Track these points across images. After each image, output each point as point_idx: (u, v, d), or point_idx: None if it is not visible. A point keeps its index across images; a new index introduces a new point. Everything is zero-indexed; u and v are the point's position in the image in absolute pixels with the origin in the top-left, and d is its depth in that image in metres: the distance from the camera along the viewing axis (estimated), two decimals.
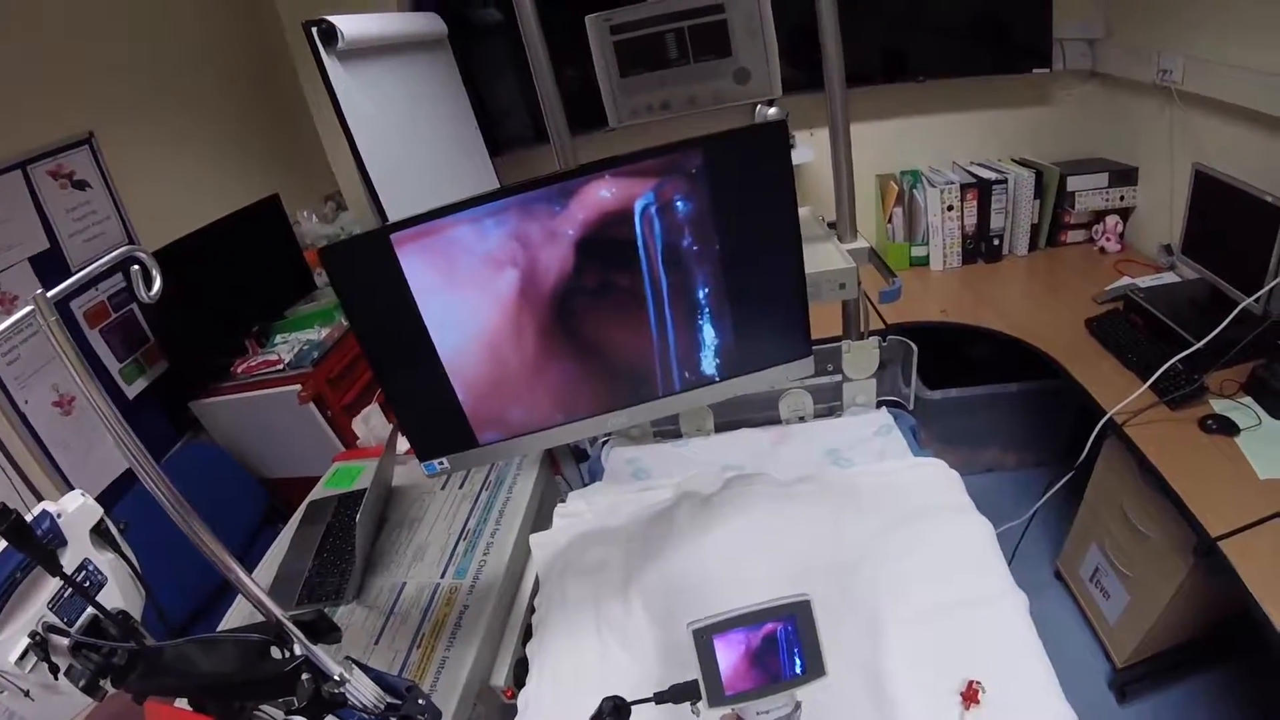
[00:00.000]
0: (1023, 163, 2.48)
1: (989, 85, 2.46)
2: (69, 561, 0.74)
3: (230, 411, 2.31)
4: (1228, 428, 1.63)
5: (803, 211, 1.29)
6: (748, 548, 1.01)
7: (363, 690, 0.85)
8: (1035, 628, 0.97)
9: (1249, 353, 1.70)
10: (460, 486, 1.43)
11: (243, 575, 0.75)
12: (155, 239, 2.20)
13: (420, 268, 0.93)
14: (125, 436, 0.68)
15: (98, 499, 0.79)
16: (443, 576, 1.25)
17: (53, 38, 2.07)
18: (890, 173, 2.55)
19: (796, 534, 1.06)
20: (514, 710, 1.02)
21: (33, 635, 0.70)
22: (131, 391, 2.22)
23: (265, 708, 0.85)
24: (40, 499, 0.77)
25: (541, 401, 1.00)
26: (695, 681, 0.50)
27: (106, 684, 0.75)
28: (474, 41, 2.37)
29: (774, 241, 0.94)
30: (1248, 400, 1.70)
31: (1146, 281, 2.17)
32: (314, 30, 1.48)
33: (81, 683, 0.72)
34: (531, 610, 1.08)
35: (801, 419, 1.36)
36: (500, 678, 1.14)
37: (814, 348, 1.03)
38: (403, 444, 1.50)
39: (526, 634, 1.14)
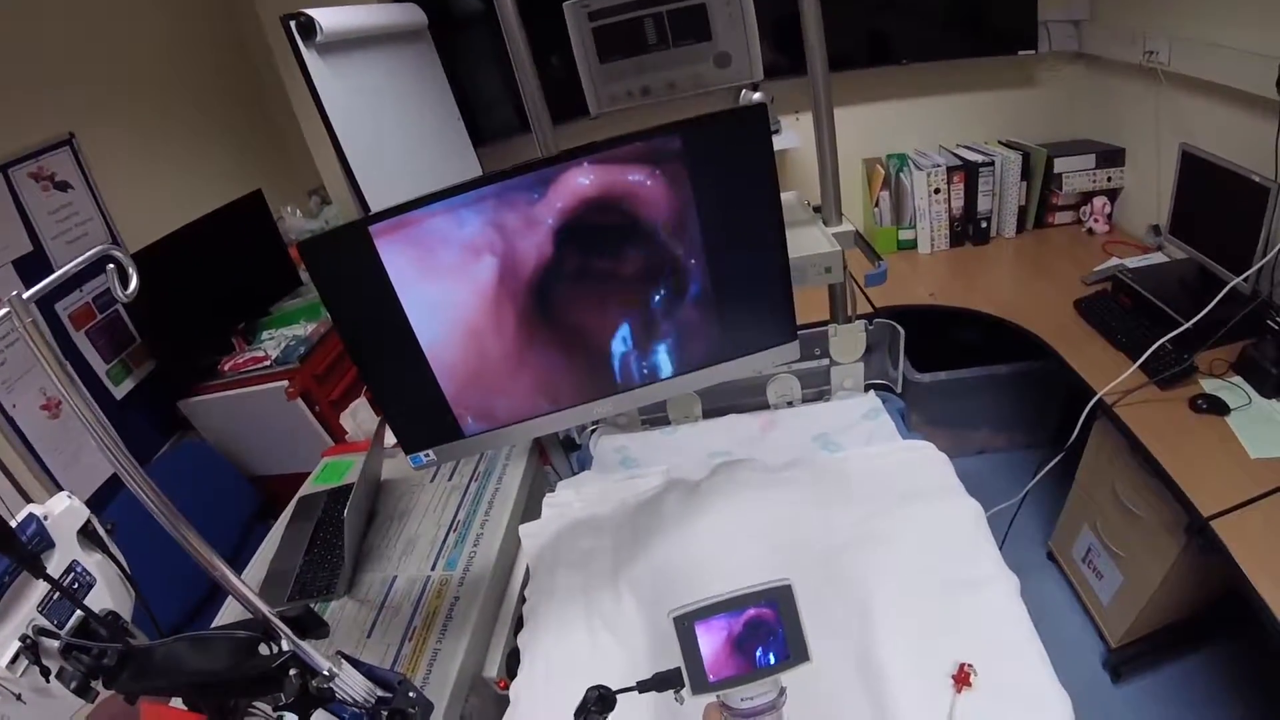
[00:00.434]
0: (1009, 145, 2.48)
1: (974, 68, 2.46)
2: (57, 563, 0.74)
3: (218, 410, 2.30)
4: (1218, 407, 1.64)
5: (788, 196, 1.28)
6: (736, 534, 1.01)
7: (352, 685, 0.85)
8: (1028, 609, 0.97)
9: (1238, 332, 1.70)
10: (449, 478, 1.43)
11: (229, 573, 0.75)
12: (139, 238, 2.19)
13: (399, 259, 0.93)
14: (106, 438, 0.68)
15: (89, 501, 0.79)
16: (433, 569, 1.25)
17: (31, 39, 2.05)
18: (876, 156, 2.54)
19: (785, 519, 1.05)
20: (507, 701, 1.03)
21: (23, 639, 0.70)
22: (119, 392, 2.21)
23: (258, 705, 0.85)
24: (30, 502, 0.76)
25: (525, 391, 1.00)
26: (678, 669, 0.49)
27: (98, 685, 0.75)
28: (455, 32, 2.35)
29: (757, 226, 0.94)
30: (1238, 379, 1.70)
31: (1135, 262, 2.17)
32: (292, 24, 1.46)
33: (73, 684, 0.72)
34: (522, 600, 1.08)
35: (790, 404, 1.36)
36: (493, 669, 1.14)
37: (801, 332, 1.04)
38: (390, 437, 1.49)
39: (518, 625, 1.14)
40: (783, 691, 0.51)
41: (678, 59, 1.16)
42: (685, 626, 0.49)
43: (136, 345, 2.28)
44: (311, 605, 1.21)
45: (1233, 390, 1.68)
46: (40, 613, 0.72)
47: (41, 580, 0.71)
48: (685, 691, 0.50)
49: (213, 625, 1.21)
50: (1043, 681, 0.89)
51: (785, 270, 0.97)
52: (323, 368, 2.32)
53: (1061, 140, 2.49)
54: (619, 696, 0.59)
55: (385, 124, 1.87)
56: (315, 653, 0.79)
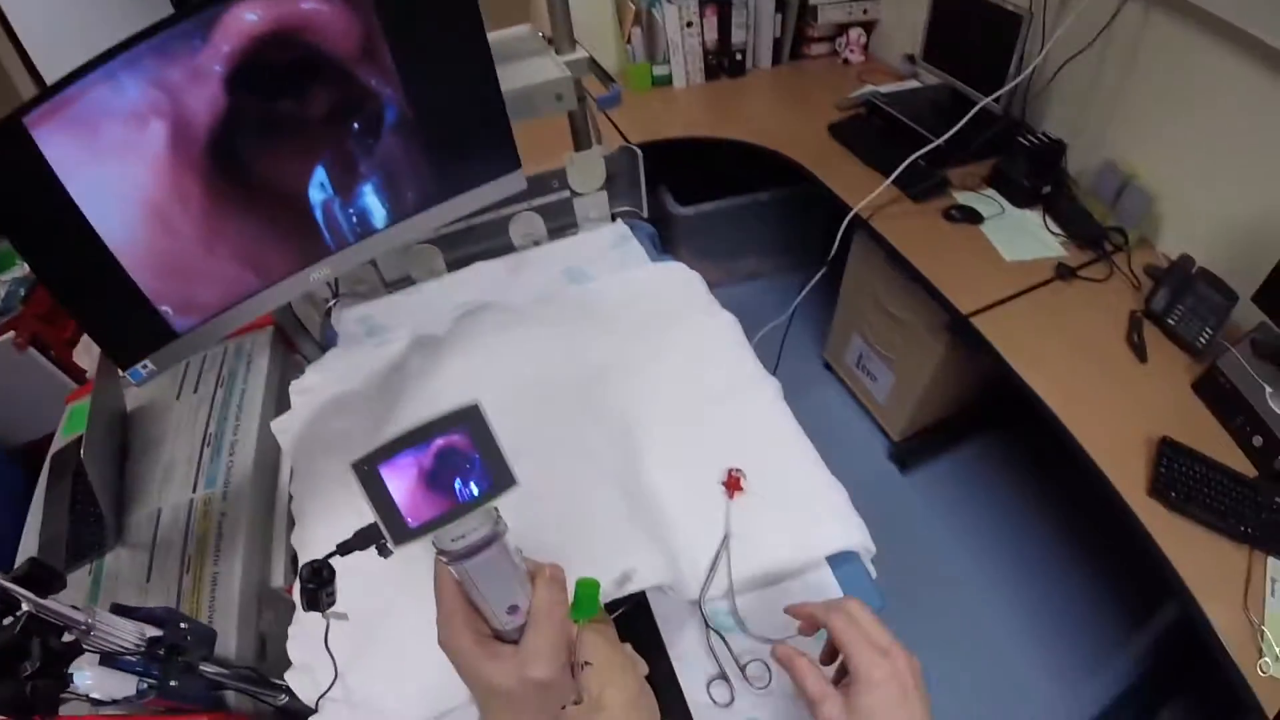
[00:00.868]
0: None
1: None
2: None
3: None
4: (971, 216, 1.77)
5: (519, 29, 1.19)
6: (482, 379, 0.97)
7: (116, 631, 0.76)
8: (810, 417, 0.99)
9: (989, 150, 1.83)
10: (195, 390, 1.29)
11: None
12: None
13: (63, 148, 0.77)
14: None
15: None
16: (195, 491, 1.14)
17: None
18: None
19: (533, 355, 1.02)
20: None
21: None
22: None
23: (79, 681, 0.76)
24: None
25: (229, 269, 0.88)
26: (375, 524, 0.43)
27: None
28: None
29: (456, 45, 0.85)
30: (990, 192, 1.84)
31: (889, 88, 2.28)
32: None
33: None
34: (291, 499, 1.01)
35: (536, 243, 1.32)
36: (278, 577, 1.07)
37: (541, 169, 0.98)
38: None
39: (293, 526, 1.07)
40: (499, 521, 0.47)
41: None
42: (369, 472, 0.42)
43: None
44: (87, 564, 1.10)
45: (986, 201, 1.81)
46: None
47: None
48: (389, 544, 0.44)
49: None
50: (814, 473, 0.92)
51: (497, 94, 0.90)
52: (47, 306, 2.00)
53: None
54: (377, 560, 0.54)
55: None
56: (64, 607, 0.71)
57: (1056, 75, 1.78)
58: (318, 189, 0.87)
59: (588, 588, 0.55)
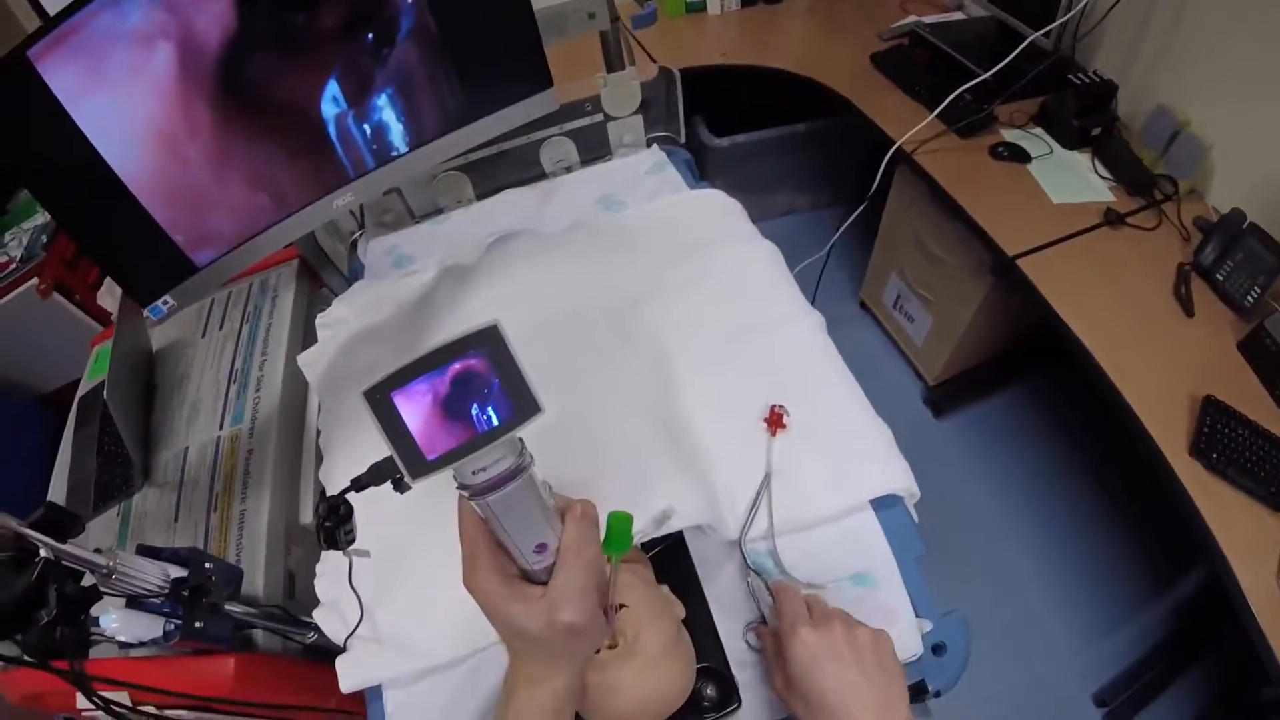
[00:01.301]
0: None
1: None
2: None
3: None
4: (1019, 155, 1.70)
5: None
6: (511, 308, 0.92)
7: (140, 573, 0.75)
8: (845, 356, 0.94)
9: (1038, 87, 1.73)
10: (220, 327, 1.27)
11: None
12: None
13: (69, 80, 0.73)
14: None
15: None
16: (221, 428, 1.13)
17: None
18: None
19: (565, 284, 0.97)
20: None
21: None
22: None
23: (105, 624, 0.75)
24: None
25: (246, 198, 0.84)
26: (390, 457, 0.40)
27: None
28: None
29: None
30: (1038, 131, 1.76)
31: (933, 18, 2.15)
32: None
33: None
34: (319, 434, 0.99)
35: (568, 170, 1.25)
36: (307, 514, 1.07)
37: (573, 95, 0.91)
38: None
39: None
40: (524, 452, 0.43)
41: None
42: (381, 400, 0.38)
43: None
44: (115, 506, 1.10)
45: (1034, 140, 1.73)
46: None
47: None
48: (405, 479, 0.40)
49: None
50: (859, 413, 0.87)
51: (527, 6, 0.83)
52: (71, 251, 1.99)
53: None
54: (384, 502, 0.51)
55: None
56: (84, 551, 0.70)
57: (1110, 11, 1.66)
58: (331, 106, 0.82)
59: (620, 522, 0.51)
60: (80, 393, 1.39)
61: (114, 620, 0.76)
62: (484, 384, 0.39)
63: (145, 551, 0.83)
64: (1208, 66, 1.55)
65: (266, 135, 0.82)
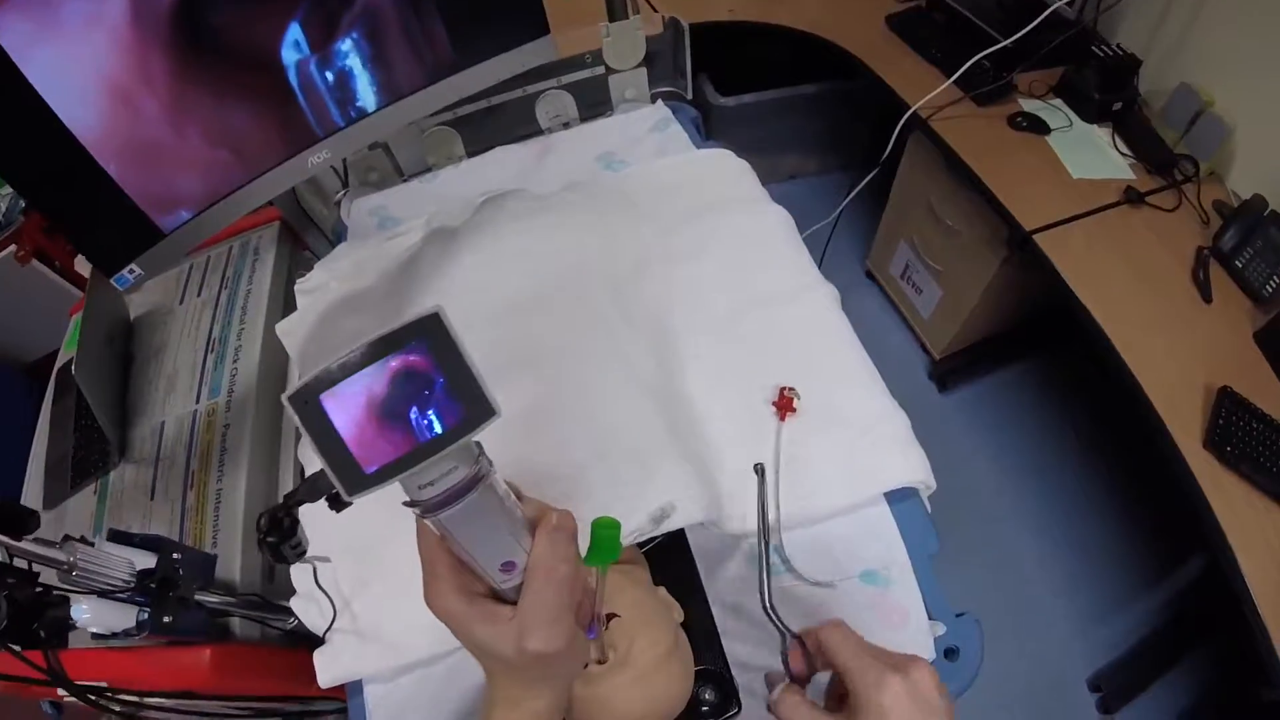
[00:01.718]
0: None
1: None
2: None
3: None
4: (1038, 126, 1.64)
5: None
6: (499, 274, 0.85)
7: (103, 567, 0.70)
8: (849, 322, 0.87)
9: (1059, 57, 1.65)
10: (199, 293, 1.21)
11: None
12: None
13: (20, 34, 0.67)
14: None
15: None
16: (198, 401, 1.07)
17: None
18: None
19: (559, 248, 0.89)
20: None
21: None
22: None
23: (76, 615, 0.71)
24: None
25: (211, 156, 0.78)
26: (318, 473, 0.35)
27: None
28: None
29: None
30: (1058, 102, 1.70)
31: None
32: None
33: None
34: None
35: (566, 126, 1.17)
36: (286, 490, 1.02)
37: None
38: None
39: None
40: (481, 459, 0.37)
41: None
42: (308, 405, 0.32)
43: None
44: (93, 483, 1.05)
45: (1053, 112, 1.67)
46: None
47: None
48: (342, 495, 0.33)
49: None
50: (875, 397, 0.81)
51: None
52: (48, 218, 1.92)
53: None
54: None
55: None
56: (41, 548, 0.66)
57: None
58: (293, 51, 0.74)
59: (606, 529, 0.45)
60: (58, 364, 1.34)
61: (85, 612, 0.72)
62: (426, 383, 0.33)
63: (116, 537, 0.79)
64: (1234, 47, 1.49)
65: (229, 86, 0.75)
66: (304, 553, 0.60)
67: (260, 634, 0.89)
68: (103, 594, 0.72)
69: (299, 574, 0.78)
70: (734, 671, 0.67)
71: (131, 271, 0.86)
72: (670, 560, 0.72)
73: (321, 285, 0.99)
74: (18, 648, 0.68)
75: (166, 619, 0.72)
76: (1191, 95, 1.53)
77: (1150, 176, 1.55)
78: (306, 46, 0.74)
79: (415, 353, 0.33)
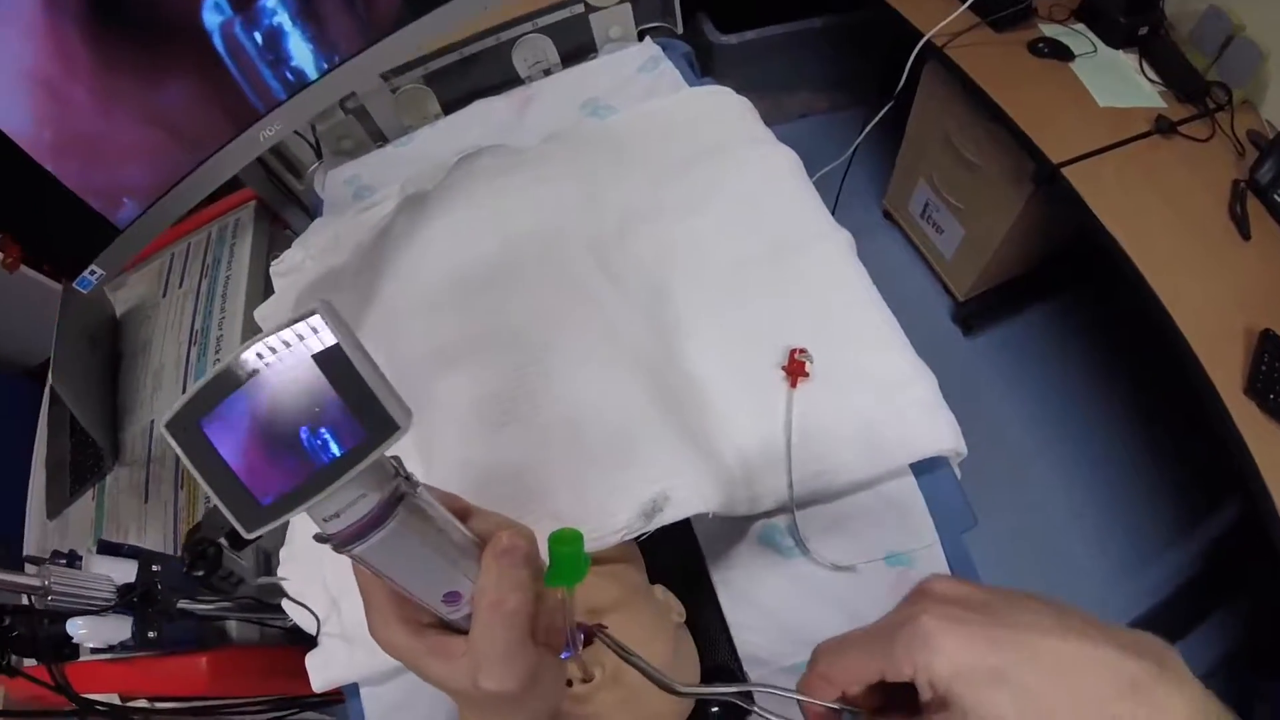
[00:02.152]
0: None
1: None
2: None
3: None
4: (1061, 52, 1.55)
5: None
6: (472, 238, 0.77)
7: (82, 586, 0.69)
8: (867, 271, 0.79)
9: None
10: (180, 284, 1.17)
11: None
12: None
13: None
14: None
15: None
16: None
17: None
18: None
19: (537, 205, 0.81)
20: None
21: None
22: None
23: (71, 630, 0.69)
24: None
25: (150, 141, 0.72)
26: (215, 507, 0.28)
27: None
28: None
29: None
30: (1080, 26, 1.61)
31: None
32: None
33: None
34: None
35: (547, 73, 1.09)
36: None
37: None
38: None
39: None
40: (398, 478, 0.31)
41: None
42: (188, 434, 0.27)
43: None
44: (90, 489, 1.04)
45: (1076, 37, 1.58)
46: None
47: None
48: (241, 532, 0.28)
49: None
50: (897, 356, 0.72)
51: None
52: None
53: None
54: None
55: None
56: (14, 575, 0.65)
57: None
58: (214, 13, 0.66)
59: (565, 544, 0.36)
60: (50, 369, 1.33)
61: (80, 628, 0.70)
62: (316, 399, 0.28)
63: (106, 549, 0.78)
64: None
65: (155, 60, 0.68)
66: (240, 581, 0.56)
67: (260, 634, 0.87)
68: (83, 613, 0.70)
69: (289, 572, 0.75)
70: (747, 667, 0.62)
71: (93, 273, 0.82)
72: (670, 548, 0.65)
73: (297, 265, 0.93)
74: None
75: (151, 634, 0.70)
76: (1221, 18, 1.46)
77: (1181, 105, 1.47)
78: (228, 6, 0.66)
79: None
